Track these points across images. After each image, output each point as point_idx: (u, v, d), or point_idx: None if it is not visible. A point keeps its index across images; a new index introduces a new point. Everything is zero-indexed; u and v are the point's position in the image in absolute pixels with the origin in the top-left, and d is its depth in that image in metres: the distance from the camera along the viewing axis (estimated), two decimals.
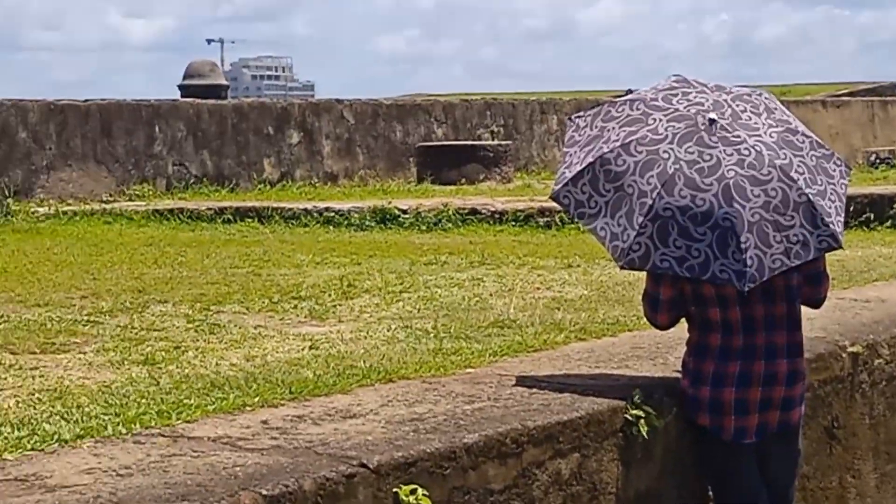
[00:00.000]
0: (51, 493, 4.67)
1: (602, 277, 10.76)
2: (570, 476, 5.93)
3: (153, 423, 5.71)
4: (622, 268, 6.21)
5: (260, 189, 20.53)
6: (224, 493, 4.72)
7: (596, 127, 6.38)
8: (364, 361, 7.07)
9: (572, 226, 14.98)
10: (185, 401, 6.12)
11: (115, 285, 10.55)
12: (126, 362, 7.26)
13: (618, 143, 6.21)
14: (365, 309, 9.31)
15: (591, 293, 9.87)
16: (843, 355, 7.63)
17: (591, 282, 10.57)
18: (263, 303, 9.58)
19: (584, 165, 6.24)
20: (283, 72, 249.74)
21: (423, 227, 16.22)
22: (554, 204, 7.42)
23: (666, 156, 6.14)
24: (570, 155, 6.39)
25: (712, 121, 6.23)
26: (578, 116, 6.57)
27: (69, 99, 19.38)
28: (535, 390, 6.37)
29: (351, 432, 5.57)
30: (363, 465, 5.12)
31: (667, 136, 6.20)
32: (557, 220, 15.65)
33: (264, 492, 4.77)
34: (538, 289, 10.30)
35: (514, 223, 16.19)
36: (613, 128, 6.30)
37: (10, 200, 17.69)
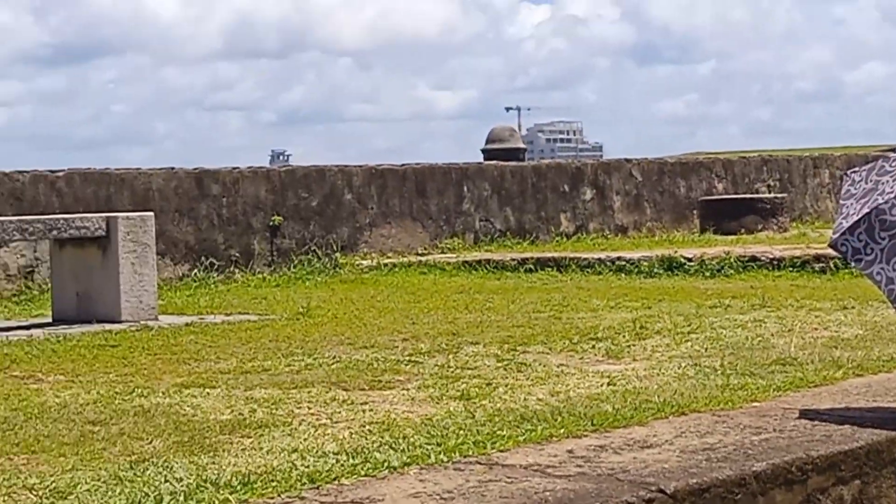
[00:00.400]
0: None
1: (876, 318, 10.51)
2: (851, 501, 5.81)
3: (470, 452, 5.76)
4: None
5: (557, 241, 20.60)
6: None
7: (871, 181, 6.28)
8: (658, 396, 7.03)
9: (846, 271, 14.65)
10: (498, 432, 6.17)
11: (431, 329, 10.71)
12: (444, 398, 7.35)
13: (892, 195, 6.11)
14: (657, 348, 9.27)
15: (866, 332, 9.66)
16: None
17: (866, 322, 10.34)
18: (564, 343, 9.61)
19: (860, 216, 6.15)
20: (574, 135, 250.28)
21: (707, 274, 16.05)
22: (829, 251, 7.34)
23: None
24: (847, 206, 6.31)
25: None
26: (853, 171, 6.48)
27: (388, 164, 19.77)
28: (816, 422, 6.27)
29: (649, 461, 5.55)
30: (661, 491, 5.10)
31: None
32: (832, 265, 15.32)
33: None
34: (816, 329, 10.11)
35: (791, 269, 15.91)
36: (888, 181, 6.20)
37: (338, 255, 18.11)
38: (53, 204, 15.63)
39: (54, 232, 12.12)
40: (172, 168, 17.25)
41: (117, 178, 16.55)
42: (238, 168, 17.90)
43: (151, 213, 13.02)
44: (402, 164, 19.89)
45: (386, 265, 17.87)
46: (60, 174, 16.13)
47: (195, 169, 17.45)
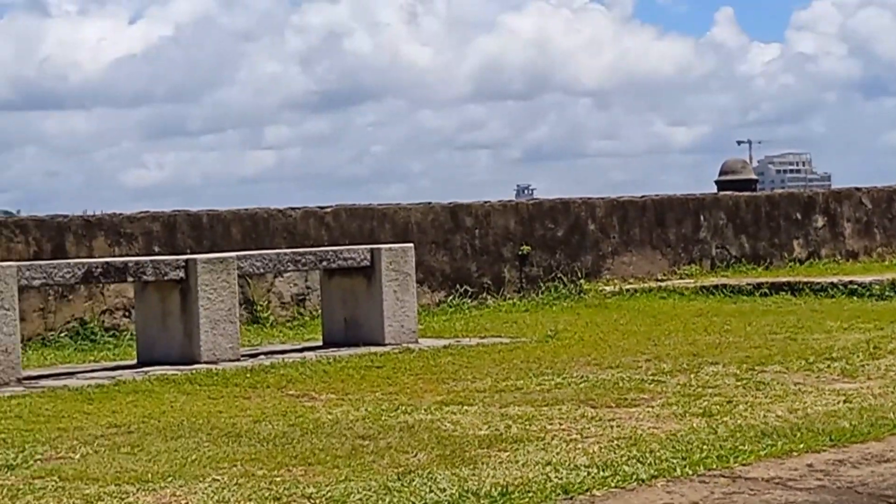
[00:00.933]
0: None
1: None
2: None
3: (714, 466, 5.71)
4: None
5: (790, 266, 20.19)
6: None
7: None
8: (893, 413, 6.86)
9: None
10: (739, 447, 6.09)
11: (672, 350, 10.60)
12: (687, 414, 7.28)
13: None
14: (890, 367, 9.02)
15: None
16: None
17: None
18: (800, 363, 9.41)
19: None
20: (804, 166, 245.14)
21: None
22: None
23: None
24: None
25: None
26: None
27: (628, 195, 19.68)
28: None
29: (886, 474, 5.41)
30: None
31: None
32: None
33: None
34: None
35: None
36: None
37: (582, 281, 18.06)
38: (322, 237, 15.95)
39: (324, 263, 12.37)
40: (429, 203, 17.46)
41: (379, 212, 16.81)
42: (489, 202, 18.02)
43: (411, 245, 13.18)
44: (642, 196, 19.77)
45: (627, 290, 17.76)
46: (328, 209, 16.46)
47: (450, 203, 17.62)
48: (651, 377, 8.93)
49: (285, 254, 12.41)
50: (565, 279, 18.08)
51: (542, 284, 17.91)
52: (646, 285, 18.14)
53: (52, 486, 5.76)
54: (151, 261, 11.37)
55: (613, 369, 9.44)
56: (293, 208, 16.28)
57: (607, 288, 17.99)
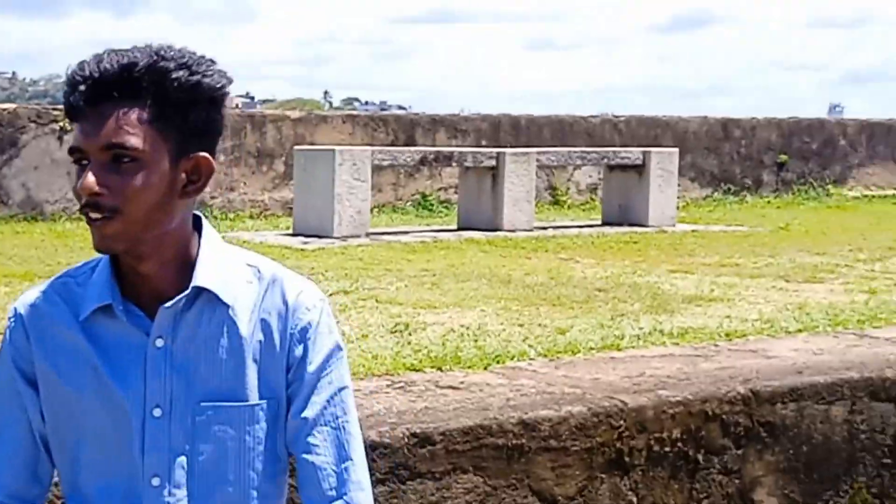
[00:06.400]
0: (766, 360, 5.30)
1: None
2: None
3: (849, 327, 6.13)
4: None
5: None
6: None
7: None
8: None
9: None
10: (878, 315, 6.48)
11: (876, 244, 10.69)
12: (855, 291, 7.60)
13: None
14: None
15: None
16: None
17: None
18: None
19: None
20: None
21: None
22: None
23: None
24: None
25: None
26: None
27: (876, 118, 19.41)
28: None
29: None
30: None
31: None
32: None
33: None
34: None
35: None
36: None
37: (829, 186, 18.06)
38: (615, 140, 16.49)
39: (605, 160, 13.01)
40: (704, 116, 17.73)
41: (663, 122, 17.21)
42: (755, 117, 18.15)
43: (676, 150, 13.60)
44: (889, 119, 19.46)
45: (866, 196, 17.68)
46: (622, 118, 16.98)
47: (721, 117, 17.85)
48: (845, 263, 9.21)
49: (574, 151, 13.10)
50: (815, 184, 18.11)
51: (794, 187, 18.00)
52: (884, 193, 17.99)
53: (370, 305, 6.68)
54: (471, 151, 12.27)
55: (819, 255, 9.72)
56: (594, 116, 16.87)
57: (850, 193, 17.94)
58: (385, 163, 11.66)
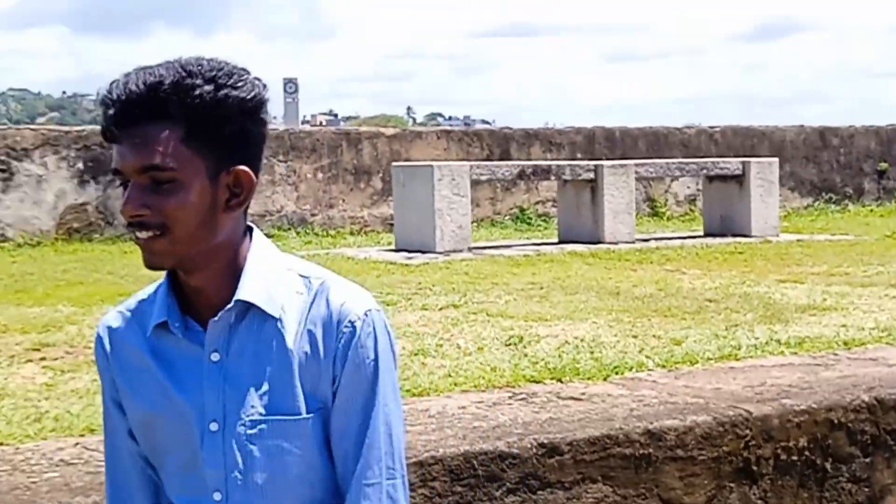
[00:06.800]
0: (888, 367, 5.21)
1: None
2: None
3: None
4: None
5: None
6: None
7: None
8: None
9: None
10: None
11: None
12: None
13: None
14: None
15: None
16: None
17: None
18: None
19: None
20: None
21: None
22: None
23: None
24: None
25: None
26: None
27: None
28: None
29: None
30: None
31: None
32: None
33: None
34: None
35: None
36: None
37: None
38: (711, 150, 16.40)
39: (704, 170, 12.92)
40: (801, 125, 17.55)
41: (759, 132, 17.07)
42: (853, 126, 17.91)
43: (776, 159, 13.47)
44: None
45: None
46: (717, 129, 16.87)
47: (819, 126, 17.65)
48: None
49: (672, 162, 13.03)
50: None
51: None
52: None
53: (482, 318, 6.71)
54: (569, 164, 12.27)
55: None
56: (689, 126, 16.80)
57: None
58: (483, 177, 11.71)
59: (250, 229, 2.03)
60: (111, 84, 1.89)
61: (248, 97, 1.90)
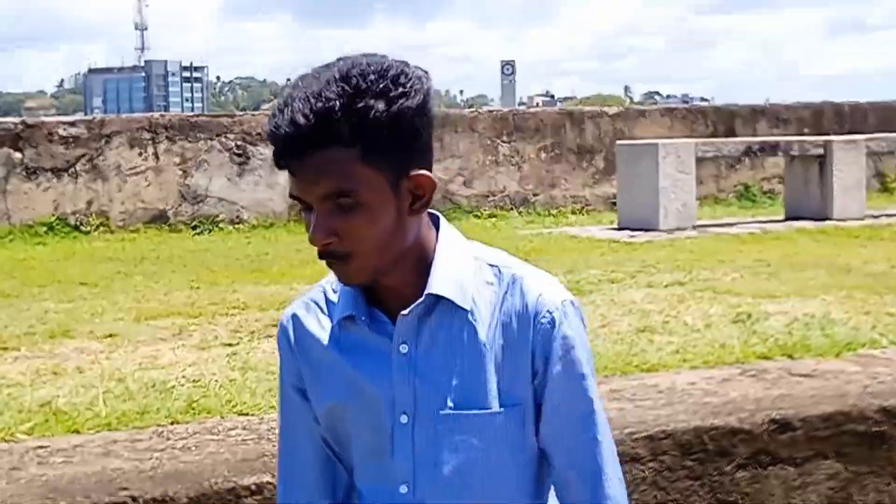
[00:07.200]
0: None
1: None
2: None
3: None
4: None
5: None
6: None
7: None
8: None
9: None
10: None
11: None
12: None
13: None
14: None
15: None
16: None
17: None
18: None
19: None
20: None
21: None
22: None
23: None
24: None
25: None
26: None
27: None
28: None
29: None
30: None
31: None
32: None
33: None
34: None
35: None
36: None
37: None
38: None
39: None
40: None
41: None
42: None
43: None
44: None
45: None
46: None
47: None
48: None
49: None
50: None
51: None
52: None
53: (708, 296, 6.67)
54: (798, 140, 12.00)
55: None
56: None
57: None
58: (708, 154, 11.58)
59: (435, 219, 1.97)
60: (275, 117, 1.81)
61: (421, 101, 1.82)
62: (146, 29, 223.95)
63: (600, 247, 9.59)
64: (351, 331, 1.97)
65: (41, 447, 3.52)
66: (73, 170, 11.98)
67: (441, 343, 1.93)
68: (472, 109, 15.97)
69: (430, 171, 1.88)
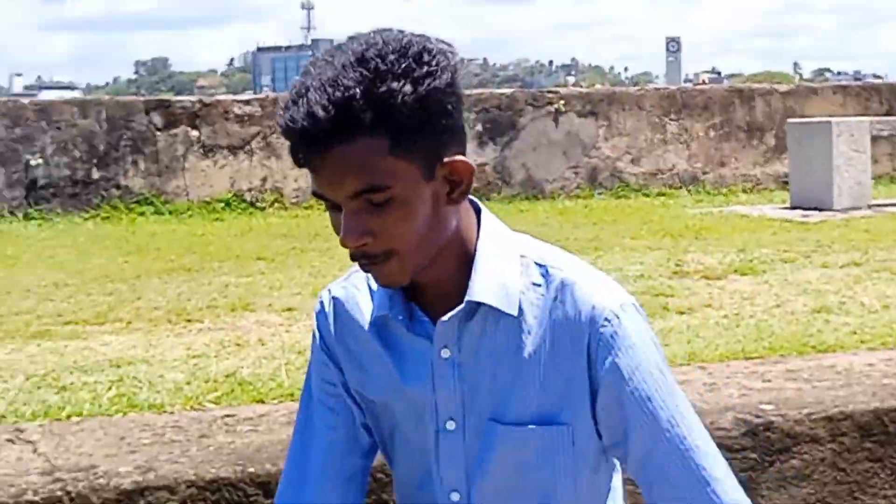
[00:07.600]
0: None
1: None
2: None
3: None
4: None
5: None
6: None
7: None
8: None
9: None
10: None
11: None
12: None
13: None
14: None
15: None
16: None
17: None
18: None
19: None
20: None
21: None
22: None
23: None
24: None
25: None
26: None
27: None
28: None
29: None
30: None
31: None
32: None
33: None
34: None
35: None
36: None
37: None
38: None
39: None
40: None
41: None
42: None
43: None
44: None
45: None
46: None
47: None
48: None
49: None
50: None
51: None
52: None
53: (885, 277, 6.44)
54: None
55: None
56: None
57: None
58: (884, 133, 11.27)
59: (476, 208, 1.82)
60: (289, 109, 1.63)
61: (449, 79, 1.66)
62: (312, 8, 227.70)
63: (772, 226, 9.43)
64: (389, 326, 1.85)
65: (228, 416, 3.65)
66: (248, 147, 12.31)
67: (485, 349, 1.80)
68: (637, 87, 15.85)
69: (465, 154, 1.73)
